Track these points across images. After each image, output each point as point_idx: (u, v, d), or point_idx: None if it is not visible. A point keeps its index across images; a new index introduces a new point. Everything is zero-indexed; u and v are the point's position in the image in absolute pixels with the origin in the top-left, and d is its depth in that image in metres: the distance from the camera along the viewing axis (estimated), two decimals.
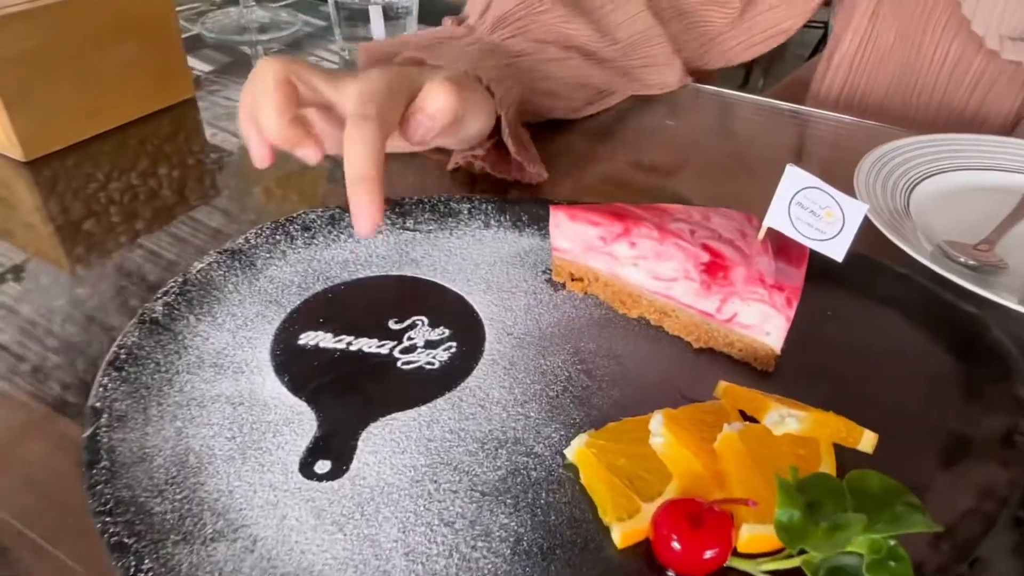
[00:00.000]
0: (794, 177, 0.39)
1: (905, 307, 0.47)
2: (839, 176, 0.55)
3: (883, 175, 0.59)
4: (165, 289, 0.45)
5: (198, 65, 0.80)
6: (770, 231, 0.42)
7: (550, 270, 0.49)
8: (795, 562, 0.30)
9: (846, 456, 0.36)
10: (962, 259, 0.50)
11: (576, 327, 0.45)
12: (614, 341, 0.44)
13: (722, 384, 0.40)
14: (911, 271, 0.48)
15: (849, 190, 0.39)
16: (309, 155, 0.46)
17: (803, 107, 0.77)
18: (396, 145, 0.51)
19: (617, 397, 0.41)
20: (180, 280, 0.46)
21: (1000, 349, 0.42)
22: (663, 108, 0.74)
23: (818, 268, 0.44)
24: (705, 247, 0.41)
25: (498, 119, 0.56)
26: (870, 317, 0.47)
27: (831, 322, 0.46)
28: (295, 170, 0.64)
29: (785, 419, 0.35)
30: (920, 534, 0.32)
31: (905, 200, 0.58)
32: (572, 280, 0.48)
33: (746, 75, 2.40)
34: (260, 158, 0.46)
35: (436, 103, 0.46)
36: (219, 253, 0.48)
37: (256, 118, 0.44)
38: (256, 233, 0.50)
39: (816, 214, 0.39)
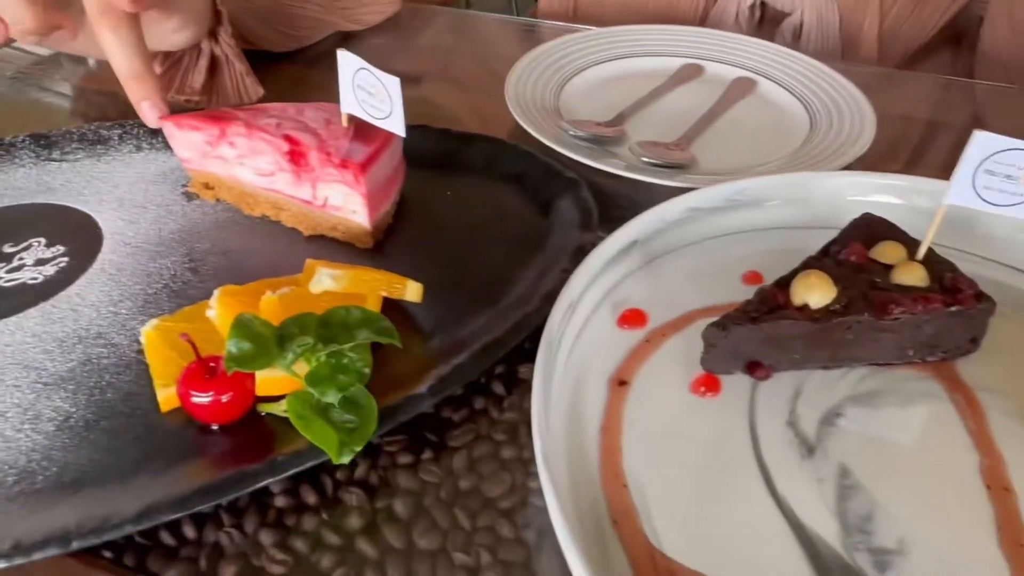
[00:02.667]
0: (348, 61, 0.42)
1: (519, 181, 0.51)
2: None
3: (541, 69, 0.63)
4: None
5: None
6: (357, 121, 0.45)
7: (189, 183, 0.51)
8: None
9: (405, 310, 0.40)
10: (574, 133, 0.54)
11: (197, 231, 0.47)
12: (231, 240, 0.47)
13: (308, 261, 0.43)
14: (539, 152, 0.52)
15: None
16: (65, 38, 0.45)
17: (503, 15, 0.80)
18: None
19: (215, 287, 0.43)
20: None
21: (582, 205, 0.47)
22: (377, 28, 0.75)
23: (447, 155, 0.47)
24: (286, 137, 0.44)
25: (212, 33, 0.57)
26: (487, 193, 0.50)
27: (448, 201, 0.50)
28: None
29: (322, 278, 0.38)
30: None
31: (559, 90, 0.62)
32: (205, 189, 0.49)
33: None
34: None
35: None
36: None
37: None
38: None
39: (372, 94, 0.42)
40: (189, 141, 0.47)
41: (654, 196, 0.52)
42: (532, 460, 0.36)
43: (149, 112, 0.45)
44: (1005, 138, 0.35)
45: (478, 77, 0.69)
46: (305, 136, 0.44)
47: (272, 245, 0.46)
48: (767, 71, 0.64)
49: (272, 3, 0.64)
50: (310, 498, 0.34)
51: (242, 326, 0.31)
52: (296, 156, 0.44)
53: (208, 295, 0.42)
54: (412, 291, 0.39)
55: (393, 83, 0.41)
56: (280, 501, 0.34)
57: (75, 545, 0.29)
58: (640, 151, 0.53)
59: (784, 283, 0.37)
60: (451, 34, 0.78)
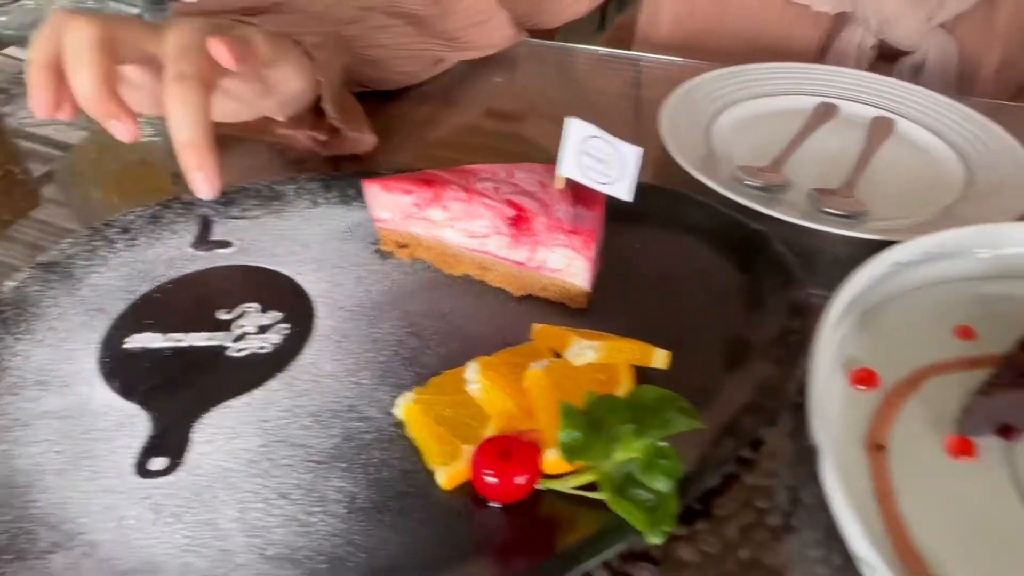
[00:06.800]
0: (576, 128, 0.42)
1: (702, 232, 0.51)
2: None
3: (687, 110, 0.63)
4: None
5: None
6: (570, 180, 0.45)
7: (379, 241, 0.51)
8: (594, 475, 0.34)
9: (648, 375, 0.40)
10: (748, 182, 0.55)
11: (405, 292, 0.47)
12: (442, 300, 0.47)
13: (535, 326, 0.43)
14: (709, 199, 0.53)
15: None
16: (122, 132, 0.43)
17: (628, 51, 0.81)
18: (225, 113, 0.51)
19: (444, 353, 0.43)
20: None
21: (781, 259, 0.48)
22: (493, 66, 0.76)
23: (628, 204, 0.47)
24: (509, 203, 0.44)
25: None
26: (673, 244, 0.51)
27: (638, 254, 0.50)
28: (131, 166, 0.62)
29: (584, 350, 0.38)
30: (708, 432, 0.37)
31: (707, 131, 0.63)
32: (399, 247, 0.50)
33: (601, 19, 2.44)
34: (48, 110, 0.43)
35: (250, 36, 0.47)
36: (32, 268, 0.47)
37: (68, 77, 0.42)
38: (72, 242, 0.49)
39: (602, 160, 0.43)
40: (395, 203, 0.47)
41: (823, 244, 0.53)
42: (801, 528, 0.37)
43: (202, 184, 0.44)
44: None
45: (579, 114, 0.70)
46: (527, 201, 0.44)
47: (483, 306, 0.47)
48: (905, 111, 0.65)
49: (388, 38, 0.64)
50: (601, 573, 0.35)
51: (571, 415, 0.32)
52: (520, 221, 0.44)
53: (439, 363, 0.43)
54: (659, 359, 0.40)
55: (634, 153, 0.41)
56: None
57: None
58: (819, 200, 0.53)
59: None
60: (545, 68, 0.78)
